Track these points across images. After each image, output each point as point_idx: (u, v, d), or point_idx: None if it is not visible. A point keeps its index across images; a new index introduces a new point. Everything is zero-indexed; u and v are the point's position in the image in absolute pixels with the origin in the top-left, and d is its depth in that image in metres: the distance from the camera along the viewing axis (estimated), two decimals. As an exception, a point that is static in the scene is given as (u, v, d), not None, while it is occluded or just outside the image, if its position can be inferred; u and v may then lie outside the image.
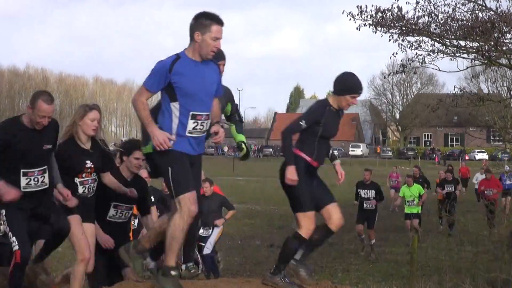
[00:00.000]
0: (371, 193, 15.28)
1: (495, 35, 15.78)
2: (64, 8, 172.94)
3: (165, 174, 5.12)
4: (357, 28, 16.66)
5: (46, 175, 5.83)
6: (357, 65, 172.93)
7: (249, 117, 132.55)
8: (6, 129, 5.72)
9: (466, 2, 16.24)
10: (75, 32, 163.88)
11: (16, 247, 5.67)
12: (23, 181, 5.73)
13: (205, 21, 5.03)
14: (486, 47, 16.11)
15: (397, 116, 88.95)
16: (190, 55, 5.10)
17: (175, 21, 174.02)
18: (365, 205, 15.29)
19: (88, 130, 6.09)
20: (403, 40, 16.87)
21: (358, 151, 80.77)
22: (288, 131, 5.70)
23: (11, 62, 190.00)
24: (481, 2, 16.32)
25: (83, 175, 6.09)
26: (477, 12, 16.22)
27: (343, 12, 16.39)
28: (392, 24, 16.55)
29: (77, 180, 6.06)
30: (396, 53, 17.13)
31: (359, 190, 15.50)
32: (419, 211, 17.08)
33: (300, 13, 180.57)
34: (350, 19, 16.40)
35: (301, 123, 5.70)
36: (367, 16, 16.47)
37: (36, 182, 5.78)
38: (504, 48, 16.12)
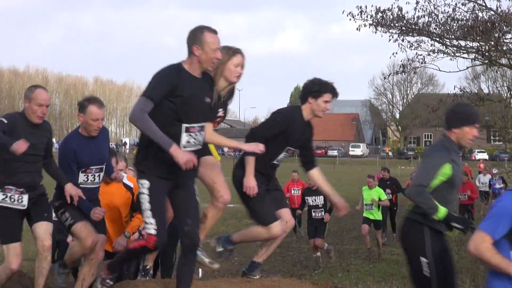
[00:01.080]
0: (320, 200, 13.22)
1: (496, 35, 15.77)
2: (66, 9, 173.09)
3: None
4: (357, 29, 16.78)
5: (204, 133, 4.82)
6: (357, 65, 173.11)
7: (249, 117, 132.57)
8: (173, 75, 4.65)
9: (466, 2, 16.26)
10: (75, 32, 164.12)
11: (153, 232, 4.62)
12: (184, 138, 4.68)
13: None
14: (487, 47, 16.11)
15: (397, 116, 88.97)
16: None
17: (177, 21, 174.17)
18: (313, 214, 13.29)
19: (232, 76, 5.23)
20: (403, 40, 16.91)
21: (358, 151, 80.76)
22: None
23: (11, 62, 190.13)
24: (481, 2, 16.33)
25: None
26: (477, 12, 16.25)
27: (343, 12, 16.50)
28: (392, 24, 16.58)
29: None
30: (396, 53, 17.18)
31: (306, 198, 13.44)
32: (380, 218, 14.80)
33: (302, 14, 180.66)
34: (350, 19, 16.47)
35: None
36: (367, 16, 16.53)
37: (195, 141, 4.74)
38: (504, 48, 16.12)
